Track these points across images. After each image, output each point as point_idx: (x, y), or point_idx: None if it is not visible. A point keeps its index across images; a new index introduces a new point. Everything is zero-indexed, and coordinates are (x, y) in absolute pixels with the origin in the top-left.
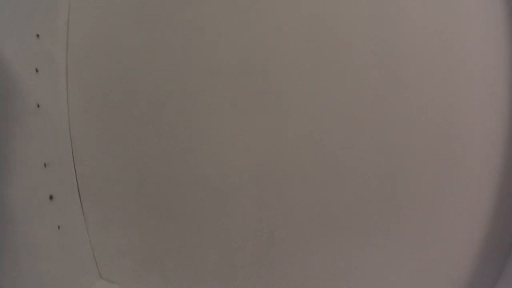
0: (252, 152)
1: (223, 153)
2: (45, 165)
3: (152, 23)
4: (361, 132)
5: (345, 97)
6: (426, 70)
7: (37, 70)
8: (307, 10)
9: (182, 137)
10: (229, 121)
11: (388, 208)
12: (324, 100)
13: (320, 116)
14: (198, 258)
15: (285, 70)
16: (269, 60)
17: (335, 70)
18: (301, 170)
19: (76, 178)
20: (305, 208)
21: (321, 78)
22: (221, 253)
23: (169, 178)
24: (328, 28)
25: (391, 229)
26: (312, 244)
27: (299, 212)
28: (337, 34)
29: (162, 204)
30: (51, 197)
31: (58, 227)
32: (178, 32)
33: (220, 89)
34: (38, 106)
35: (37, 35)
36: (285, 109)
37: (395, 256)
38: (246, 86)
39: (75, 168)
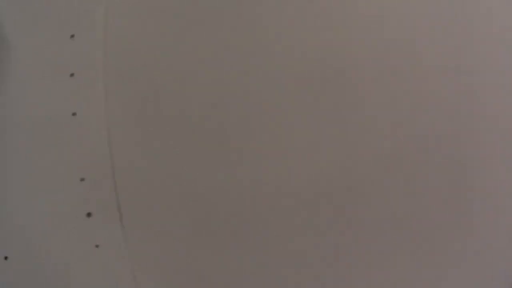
0: (322, 165)
1: (288, 165)
2: (82, 179)
3: (207, 18)
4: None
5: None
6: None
7: (72, 75)
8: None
9: (238, 146)
10: (295, 129)
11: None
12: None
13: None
14: (249, 282)
15: (364, 77)
16: (349, 64)
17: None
18: (376, 188)
19: (116, 193)
20: (378, 229)
21: (403, 87)
22: (280, 276)
23: (224, 192)
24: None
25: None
26: (383, 271)
27: (371, 233)
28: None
29: (214, 221)
30: (88, 215)
31: (96, 246)
32: (238, 30)
33: (285, 94)
34: (74, 114)
35: (72, 36)
36: (363, 121)
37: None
38: (322, 91)
39: (115, 183)
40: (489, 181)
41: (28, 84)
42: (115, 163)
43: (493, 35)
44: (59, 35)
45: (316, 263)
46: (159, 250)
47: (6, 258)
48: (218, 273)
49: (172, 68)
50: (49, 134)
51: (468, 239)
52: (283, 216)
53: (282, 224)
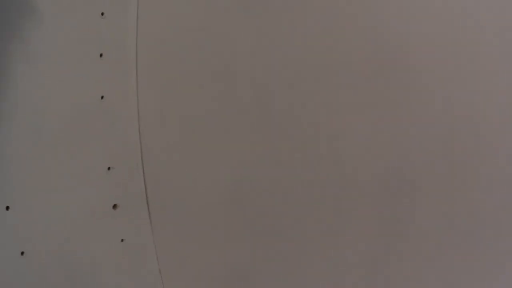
0: (377, 158)
1: (339, 158)
2: (109, 168)
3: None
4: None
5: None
6: None
7: (101, 55)
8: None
9: (281, 138)
10: (349, 122)
11: None
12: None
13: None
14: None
15: (423, 69)
16: (407, 56)
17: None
18: (432, 180)
19: (145, 184)
20: (433, 223)
21: (460, 78)
22: (326, 276)
23: (261, 185)
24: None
25: None
26: (437, 266)
27: (425, 228)
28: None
29: (248, 216)
30: (114, 206)
31: (122, 240)
32: (286, 14)
33: (337, 85)
34: (102, 98)
35: (102, 14)
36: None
37: None
38: (378, 83)
39: (144, 173)
40: None
41: (56, 63)
42: (144, 152)
43: None
44: (90, 11)
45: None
46: (186, 248)
47: (22, 253)
48: (249, 273)
49: (213, 49)
50: (76, 119)
51: None
52: (340, 213)
53: (338, 223)
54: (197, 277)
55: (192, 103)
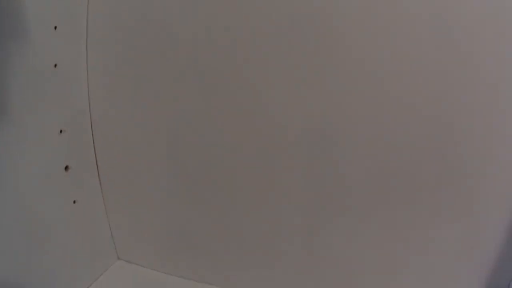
0: (304, 114)
1: (270, 111)
2: (61, 131)
3: None
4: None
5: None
6: None
7: (55, 28)
8: None
9: (220, 95)
10: (277, 74)
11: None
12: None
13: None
14: (232, 237)
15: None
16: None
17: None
18: (359, 130)
19: (94, 147)
20: (362, 176)
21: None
22: (263, 230)
23: (202, 144)
24: None
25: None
26: (368, 217)
27: (355, 181)
28: None
29: (193, 176)
30: (66, 168)
31: (74, 202)
32: None
33: (268, 39)
34: (55, 66)
35: None
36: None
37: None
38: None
39: (93, 136)
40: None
41: (15, 34)
42: (93, 116)
43: None
44: None
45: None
46: (136, 206)
47: None
48: (203, 233)
49: (158, 18)
50: (30, 84)
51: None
52: (272, 166)
53: (272, 175)
54: (145, 236)
55: (136, 72)
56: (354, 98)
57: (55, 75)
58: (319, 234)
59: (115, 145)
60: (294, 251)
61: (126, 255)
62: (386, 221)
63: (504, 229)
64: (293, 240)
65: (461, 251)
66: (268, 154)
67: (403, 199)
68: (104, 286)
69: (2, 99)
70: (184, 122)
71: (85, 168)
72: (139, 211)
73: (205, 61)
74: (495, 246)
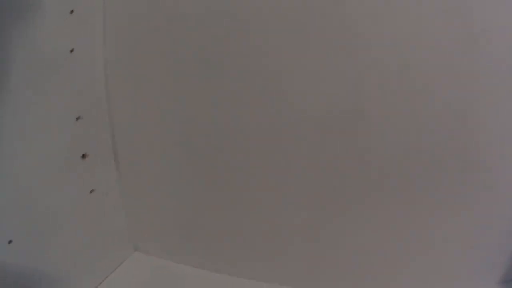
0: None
1: (289, 95)
2: (77, 118)
3: None
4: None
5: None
6: None
7: (72, 11)
8: None
9: (239, 77)
10: (298, 54)
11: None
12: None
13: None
14: (251, 228)
15: None
16: None
17: None
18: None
19: (112, 134)
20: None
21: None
22: (277, 218)
23: (222, 132)
24: None
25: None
26: (382, 206)
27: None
28: None
29: (212, 166)
30: (83, 156)
31: (91, 191)
32: None
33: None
34: (72, 51)
35: None
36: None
37: None
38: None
39: (111, 123)
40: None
41: (28, 18)
42: (111, 103)
43: None
44: None
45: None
46: (153, 196)
47: None
48: (215, 221)
49: (172, 9)
50: (46, 70)
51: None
52: (290, 152)
53: (287, 162)
54: (163, 228)
55: (154, 57)
56: (380, 79)
57: (71, 60)
58: (336, 223)
59: (133, 132)
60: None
61: (143, 246)
62: (410, 210)
63: None
64: (314, 230)
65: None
66: (286, 139)
67: (427, 187)
68: (121, 278)
69: (15, 85)
70: (204, 108)
71: (102, 156)
72: (157, 202)
73: (224, 42)
74: None
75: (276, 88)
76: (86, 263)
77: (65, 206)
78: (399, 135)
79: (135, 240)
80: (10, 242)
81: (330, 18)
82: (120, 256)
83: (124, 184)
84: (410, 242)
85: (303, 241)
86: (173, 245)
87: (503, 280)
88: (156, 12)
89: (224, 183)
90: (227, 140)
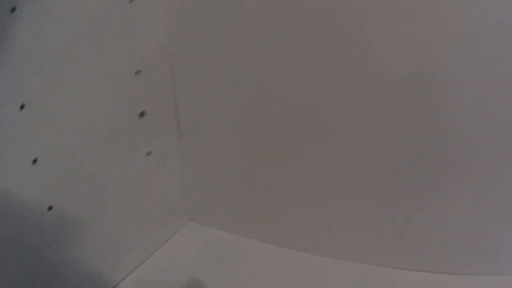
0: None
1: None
2: (137, 72)
3: None
4: None
5: None
6: None
7: None
8: None
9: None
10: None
11: None
12: None
13: None
14: (315, 199)
15: None
16: None
17: None
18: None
19: (174, 91)
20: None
21: None
22: (351, 189)
23: (294, 97)
24: None
25: None
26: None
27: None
28: None
29: (280, 133)
30: (142, 114)
31: (148, 154)
32: None
33: None
34: (131, 1)
35: None
36: None
37: None
38: None
39: (173, 78)
40: None
41: None
42: (174, 56)
43: None
44: None
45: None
46: (212, 163)
47: (35, 161)
48: (275, 191)
49: None
50: (104, 20)
51: None
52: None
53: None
54: (219, 197)
55: (224, 7)
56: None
57: (130, 8)
58: (416, 195)
59: (197, 91)
60: (389, 213)
61: (199, 216)
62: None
63: None
64: (386, 200)
65: None
66: (363, 100)
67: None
68: (175, 249)
69: (71, 35)
70: (275, 67)
71: (162, 115)
72: (215, 169)
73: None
74: None
75: (357, 37)
76: (138, 233)
77: (118, 168)
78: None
79: (190, 210)
80: (50, 208)
81: None
82: (175, 226)
83: (183, 147)
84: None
85: (375, 216)
86: (229, 216)
87: None
88: None
89: (290, 152)
90: (297, 105)
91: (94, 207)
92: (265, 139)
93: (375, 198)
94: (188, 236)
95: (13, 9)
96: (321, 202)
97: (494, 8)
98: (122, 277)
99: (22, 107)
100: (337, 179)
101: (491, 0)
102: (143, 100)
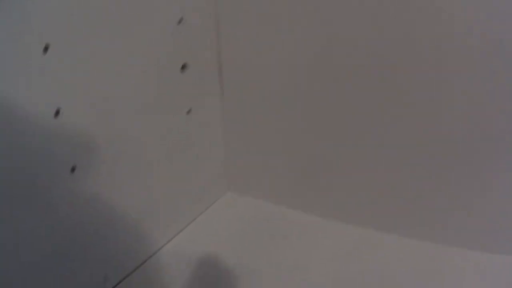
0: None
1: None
2: (179, 21)
3: None
4: None
5: None
6: None
7: None
8: None
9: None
10: None
11: None
12: None
13: None
14: (359, 170)
15: None
16: None
17: None
18: None
19: (219, 43)
20: None
21: None
22: (398, 163)
23: (342, 65)
24: None
25: None
26: None
27: None
28: None
29: (324, 102)
30: (183, 67)
31: (188, 111)
32: None
33: None
34: None
35: None
36: None
37: None
38: None
39: (218, 28)
40: None
41: None
42: (220, 3)
43: None
44: None
45: None
46: (255, 127)
47: (57, 113)
48: (319, 162)
49: None
50: None
51: None
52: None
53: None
54: (261, 166)
55: None
56: None
57: None
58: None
59: (243, 43)
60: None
61: (238, 186)
62: None
63: None
64: (438, 175)
65: None
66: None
67: None
68: (212, 220)
69: None
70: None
71: (206, 68)
72: (257, 135)
73: None
74: None
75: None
76: (174, 201)
77: (155, 127)
78: None
79: (230, 178)
80: (73, 169)
81: None
82: (213, 195)
83: (227, 107)
84: None
85: (426, 191)
86: (270, 186)
87: None
88: None
89: (341, 121)
90: (351, 73)
91: (125, 171)
92: (317, 104)
93: (427, 173)
94: (227, 206)
95: None
96: (371, 174)
97: None
98: (161, 245)
99: (46, 49)
100: (389, 151)
101: None
102: (185, 51)
